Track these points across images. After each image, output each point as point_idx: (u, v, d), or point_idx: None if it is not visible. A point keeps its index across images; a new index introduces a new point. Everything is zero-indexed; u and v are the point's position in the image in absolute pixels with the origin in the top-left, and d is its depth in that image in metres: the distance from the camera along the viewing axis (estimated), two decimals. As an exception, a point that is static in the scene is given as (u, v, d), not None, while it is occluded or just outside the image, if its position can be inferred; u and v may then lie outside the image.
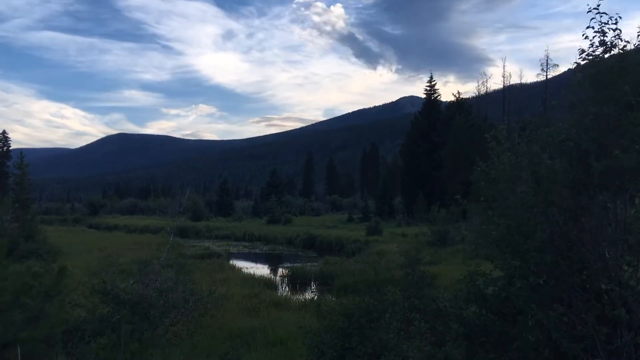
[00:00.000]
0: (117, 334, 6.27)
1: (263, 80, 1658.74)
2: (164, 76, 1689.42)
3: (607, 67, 5.70)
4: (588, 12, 5.89)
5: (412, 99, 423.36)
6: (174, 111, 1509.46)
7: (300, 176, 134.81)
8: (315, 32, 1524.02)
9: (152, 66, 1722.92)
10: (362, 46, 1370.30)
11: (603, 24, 5.88)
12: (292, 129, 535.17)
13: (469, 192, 9.75)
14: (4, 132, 56.75)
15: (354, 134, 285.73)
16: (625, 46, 5.86)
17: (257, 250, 39.73)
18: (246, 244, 44.91)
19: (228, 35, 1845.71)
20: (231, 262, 28.63)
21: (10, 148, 56.52)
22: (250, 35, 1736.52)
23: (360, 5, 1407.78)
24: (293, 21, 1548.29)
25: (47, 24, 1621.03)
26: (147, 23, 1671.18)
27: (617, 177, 5.48)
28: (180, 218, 13.02)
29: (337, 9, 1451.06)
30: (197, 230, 54.23)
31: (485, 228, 6.83)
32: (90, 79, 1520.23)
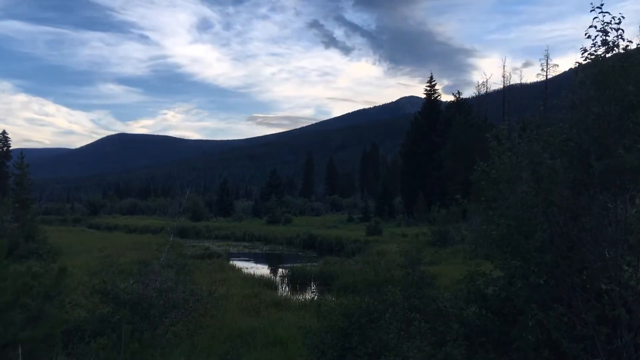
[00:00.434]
0: (117, 334, 6.27)
1: (247, 74, 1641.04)
2: (143, 70, 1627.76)
3: (609, 66, 5.70)
4: (591, 11, 5.89)
5: (412, 99, 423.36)
6: (160, 108, 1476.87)
7: (300, 176, 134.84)
8: (292, 21, 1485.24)
9: (128, 58, 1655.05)
10: (329, 35, 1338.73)
11: (605, 24, 5.88)
12: (292, 129, 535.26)
13: (469, 192, 9.77)
14: (4, 132, 56.75)
15: (354, 134, 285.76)
16: (627, 46, 5.86)
17: (257, 250, 39.73)
18: (246, 244, 44.91)
19: (203, 25, 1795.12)
20: (231, 262, 28.62)
21: (10, 148, 56.49)
22: (227, 26, 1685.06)
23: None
24: (272, 9, 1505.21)
25: (8, 12, 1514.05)
26: (113, 10, 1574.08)
27: (618, 177, 5.48)
28: (180, 218, 13.02)
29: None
30: (197, 230, 54.24)
31: (486, 228, 6.83)
32: (64, 72, 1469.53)
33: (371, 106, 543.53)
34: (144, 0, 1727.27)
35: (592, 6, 5.87)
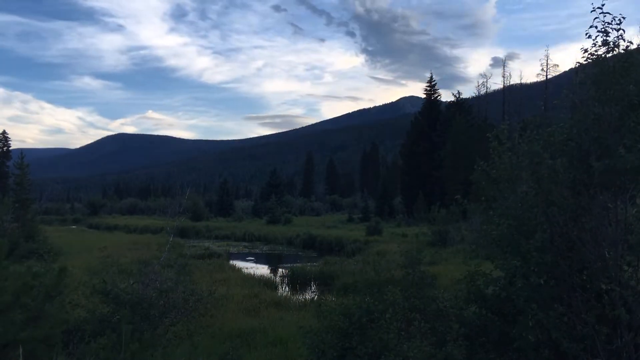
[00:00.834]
0: (117, 334, 6.27)
1: (231, 69, 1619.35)
2: (124, 64, 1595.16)
3: (609, 66, 5.70)
4: (592, 11, 5.89)
5: (412, 99, 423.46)
6: (146, 106, 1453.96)
7: (300, 176, 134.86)
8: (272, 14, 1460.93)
9: (105, 50, 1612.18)
10: (296, 17, 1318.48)
11: (606, 24, 5.88)
12: (292, 129, 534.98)
13: (469, 192, 9.77)
14: (4, 132, 56.74)
15: (354, 134, 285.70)
16: (628, 46, 5.86)
17: (257, 250, 39.73)
18: (246, 244, 44.90)
19: (178, 12, 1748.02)
20: (231, 262, 28.61)
21: (10, 148, 56.49)
22: (202, 14, 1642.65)
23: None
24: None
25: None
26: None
27: (618, 177, 5.48)
28: (180, 218, 13.02)
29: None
30: (197, 230, 54.22)
31: (486, 228, 6.84)
32: (37, 65, 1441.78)
33: (371, 106, 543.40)
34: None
35: (592, 6, 5.87)
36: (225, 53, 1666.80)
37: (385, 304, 6.92)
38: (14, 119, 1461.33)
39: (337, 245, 37.78)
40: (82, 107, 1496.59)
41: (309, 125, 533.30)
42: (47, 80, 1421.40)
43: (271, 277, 23.91)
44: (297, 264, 27.09)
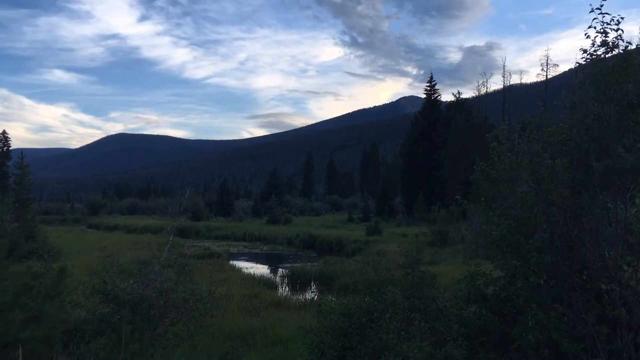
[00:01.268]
0: (118, 334, 6.28)
1: (212, 63, 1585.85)
2: (97, 57, 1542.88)
3: (609, 67, 5.71)
4: (590, 12, 5.90)
5: (412, 99, 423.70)
6: (129, 103, 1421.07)
7: (300, 176, 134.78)
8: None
9: (74, 42, 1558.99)
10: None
11: (605, 24, 5.88)
12: (292, 129, 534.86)
13: (469, 192, 9.77)
14: (4, 132, 56.72)
15: (354, 134, 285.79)
16: (627, 47, 5.87)
17: (257, 250, 39.72)
18: (246, 244, 44.88)
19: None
20: (231, 262, 28.61)
21: (11, 148, 56.47)
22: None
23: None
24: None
25: None
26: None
27: (618, 177, 5.49)
28: (180, 218, 13.02)
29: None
30: (197, 230, 54.20)
31: (486, 228, 6.85)
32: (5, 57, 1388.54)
33: (371, 106, 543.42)
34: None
35: (591, 7, 5.88)
36: (203, 45, 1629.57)
37: (385, 304, 6.92)
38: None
39: (337, 245, 37.77)
40: (62, 103, 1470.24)
41: (309, 125, 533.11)
42: (17, 73, 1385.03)
43: (271, 277, 23.90)
44: (297, 264, 27.09)
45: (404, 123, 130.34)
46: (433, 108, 62.04)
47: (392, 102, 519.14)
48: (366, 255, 28.28)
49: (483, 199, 7.05)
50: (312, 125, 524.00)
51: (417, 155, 58.80)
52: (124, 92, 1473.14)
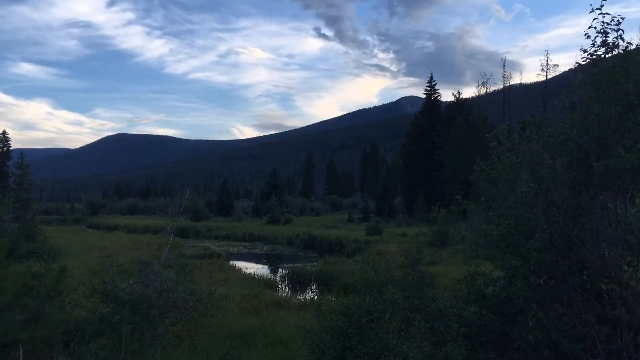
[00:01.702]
0: (118, 334, 6.28)
1: (191, 56, 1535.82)
2: (68, 49, 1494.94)
3: (609, 67, 5.71)
4: (591, 12, 5.90)
5: (412, 99, 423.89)
6: (111, 100, 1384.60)
7: (300, 176, 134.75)
8: None
9: (41, 30, 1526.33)
10: None
11: (605, 25, 5.88)
12: (292, 129, 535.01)
13: (469, 192, 9.77)
14: (4, 132, 56.71)
15: (354, 134, 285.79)
16: (627, 47, 5.87)
17: (257, 250, 39.72)
18: (246, 244, 44.88)
19: None
20: (231, 262, 28.60)
21: (10, 148, 56.47)
22: None
23: None
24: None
25: None
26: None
27: (618, 177, 5.49)
28: (180, 218, 13.01)
29: None
30: (197, 230, 54.18)
31: (486, 228, 6.84)
32: None
33: (371, 106, 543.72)
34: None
35: (591, 7, 5.88)
36: (177, 35, 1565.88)
37: (385, 304, 6.92)
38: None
39: (337, 245, 37.77)
40: (40, 99, 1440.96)
41: (309, 125, 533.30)
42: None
43: (271, 277, 23.90)
44: (297, 264, 27.08)
45: (404, 123, 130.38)
46: (433, 108, 62.05)
47: (392, 102, 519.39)
48: (366, 255, 28.28)
49: (483, 199, 7.05)
50: (312, 125, 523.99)
51: (417, 155, 58.80)
52: (104, 88, 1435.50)
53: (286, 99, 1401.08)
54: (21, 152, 32.53)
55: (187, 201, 15.44)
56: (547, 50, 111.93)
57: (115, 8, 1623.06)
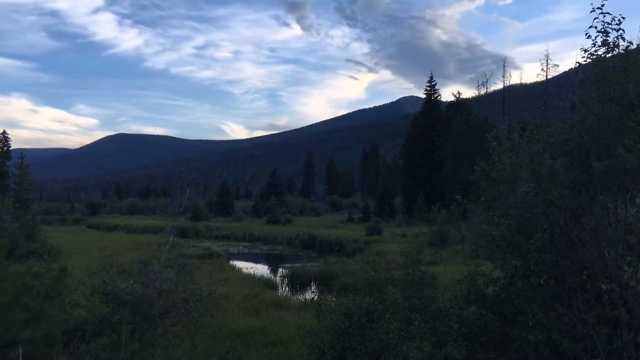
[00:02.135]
0: (118, 334, 6.28)
1: (167, 48, 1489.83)
2: (36, 42, 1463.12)
3: (609, 66, 5.71)
4: (591, 11, 5.90)
5: (412, 99, 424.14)
6: (93, 96, 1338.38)
7: (300, 176, 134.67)
8: None
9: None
10: None
11: (606, 24, 5.88)
12: (292, 129, 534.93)
13: (469, 192, 9.76)
14: (4, 132, 56.72)
15: (354, 134, 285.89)
16: (628, 46, 5.87)
17: (257, 250, 39.72)
18: (246, 244, 44.88)
19: None
20: (231, 262, 28.61)
21: (11, 148, 56.48)
22: None
23: None
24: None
25: None
26: None
27: (618, 177, 5.49)
28: (180, 218, 13.00)
29: None
30: (197, 230, 54.19)
31: (486, 228, 6.84)
32: None
33: (371, 106, 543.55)
34: None
35: (592, 7, 5.88)
36: (150, 24, 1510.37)
37: (385, 304, 6.92)
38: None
39: (337, 245, 37.78)
40: (14, 93, 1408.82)
41: (309, 125, 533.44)
42: None
43: (271, 277, 23.91)
44: (297, 264, 27.08)
45: (404, 123, 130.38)
46: (433, 108, 62.06)
47: (392, 102, 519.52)
48: (366, 255, 28.28)
49: (483, 199, 7.05)
50: (312, 125, 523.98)
51: (417, 155, 58.80)
52: (82, 84, 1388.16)
53: (274, 95, 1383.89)
54: (21, 152, 32.55)
55: (187, 201, 15.44)
56: (547, 50, 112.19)
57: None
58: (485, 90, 69.11)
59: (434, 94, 63.09)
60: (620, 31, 5.86)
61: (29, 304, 5.46)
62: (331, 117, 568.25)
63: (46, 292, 5.75)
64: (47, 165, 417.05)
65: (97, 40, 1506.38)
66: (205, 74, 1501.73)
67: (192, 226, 55.76)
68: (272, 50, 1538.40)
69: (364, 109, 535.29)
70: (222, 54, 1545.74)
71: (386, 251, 27.50)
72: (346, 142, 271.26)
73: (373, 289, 7.39)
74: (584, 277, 5.91)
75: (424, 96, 64.40)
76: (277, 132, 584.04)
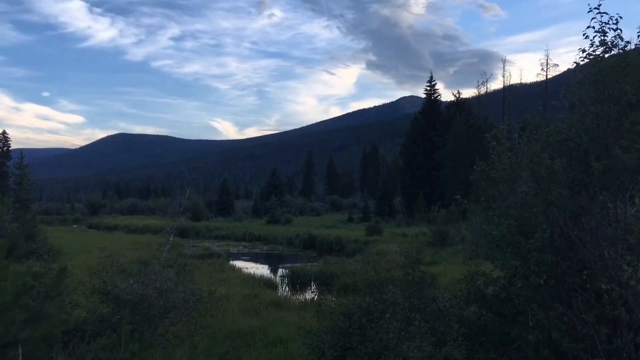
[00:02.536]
0: (118, 334, 6.28)
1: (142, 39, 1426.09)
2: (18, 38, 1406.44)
3: (607, 66, 5.71)
4: (589, 12, 5.90)
5: (412, 99, 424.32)
6: (84, 91, 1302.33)
7: (300, 176, 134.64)
8: None
9: None
10: None
11: (604, 24, 5.89)
12: (292, 129, 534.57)
13: (469, 192, 9.76)
14: (4, 132, 56.72)
15: (354, 134, 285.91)
16: (625, 46, 5.87)
17: (257, 250, 39.72)
18: (246, 244, 44.88)
19: None
20: (231, 262, 28.62)
21: (10, 148, 56.48)
22: None
23: None
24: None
25: None
26: None
27: (617, 177, 5.49)
28: (180, 218, 13.00)
29: None
30: (197, 230, 54.19)
31: (486, 228, 6.85)
32: None
33: (371, 106, 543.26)
34: None
35: (589, 7, 5.88)
36: (124, 13, 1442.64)
37: (385, 304, 6.92)
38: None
39: (337, 245, 37.78)
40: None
41: (309, 125, 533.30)
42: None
43: (271, 277, 23.91)
44: (297, 264, 27.09)
45: (404, 123, 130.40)
46: (433, 108, 62.06)
47: (392, 102, 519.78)
48: (366, 255, 28.27)
49: (483, 198, 7.05)
50: (312, 125, 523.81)
51: (417, 155, 58.81)
52: (61, 79, 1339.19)
53: (262, 92, 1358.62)
54: (21, 152, 32.55)
55: (187, 201, 15.44)
56: (547, 50, 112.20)
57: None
58: (485, 90, 69.14)
59: (434, 94, 63.10)
60: (618, 30, 5.87)
61: (29, 304, 5.46)
62: (316, 108, 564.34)
63: (46, 292, 5.76)
64: (46, 165, 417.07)
65: (70, 31, 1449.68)
66: (188, 69, 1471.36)
67: (192, 226, 55.76)
68: (255, 43, 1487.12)
69: (364, 109, 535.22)
70: (196, 45, 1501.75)
71: (386, 251, 27.50)
72: (346, 142, 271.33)
73: (373, 289, 7.39)
74: (584, 277, 5.91)
75: (424, 96, 64.41)
76: (271, 131, 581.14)
